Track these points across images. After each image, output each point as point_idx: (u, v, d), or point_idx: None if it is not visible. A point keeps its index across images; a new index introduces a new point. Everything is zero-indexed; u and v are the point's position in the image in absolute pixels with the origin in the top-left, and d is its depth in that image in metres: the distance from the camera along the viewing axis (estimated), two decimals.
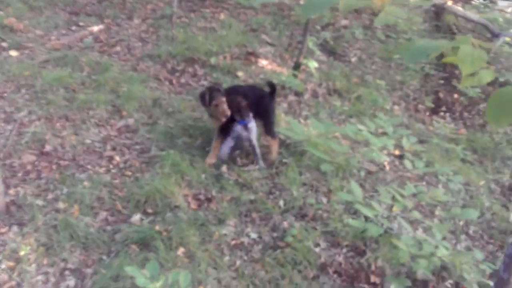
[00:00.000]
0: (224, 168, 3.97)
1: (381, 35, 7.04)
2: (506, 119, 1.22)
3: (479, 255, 3.24)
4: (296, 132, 3.12)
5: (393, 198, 2.83)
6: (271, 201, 3.72)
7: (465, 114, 5.56)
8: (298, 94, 5.24)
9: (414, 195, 3.18)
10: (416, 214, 3.09)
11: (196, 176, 3.84)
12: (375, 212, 2.75)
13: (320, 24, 6.92)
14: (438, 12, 7.96)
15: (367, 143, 3.70)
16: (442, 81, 6.09)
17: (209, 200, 3.68)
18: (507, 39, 6.57)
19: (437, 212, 3.87)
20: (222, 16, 6.92)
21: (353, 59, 6.43)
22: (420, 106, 5.65)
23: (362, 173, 4.04)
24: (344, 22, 7.14)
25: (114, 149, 4.12)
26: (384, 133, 4.08)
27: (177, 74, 5.44)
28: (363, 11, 7.67)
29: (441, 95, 5.81)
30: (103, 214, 3.44)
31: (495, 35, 7.13)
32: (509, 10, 8.79)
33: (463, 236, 3.72)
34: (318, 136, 3.10)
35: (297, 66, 5.49)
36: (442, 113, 5.58)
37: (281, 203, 3.71)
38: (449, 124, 5.30)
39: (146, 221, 3.42)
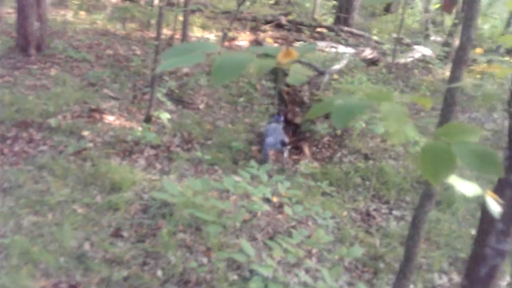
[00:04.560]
0: (86, 245, 3.45)
1: None
2: (443, 175, 1.18)
3: (363, 287, 3.33)
4: (170, 193, 2.85)
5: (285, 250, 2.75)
6: (148, 273, 3.32)
7: (314, 148, 5.87)
8: (154, 147, 4.92)
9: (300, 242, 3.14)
10: (309, 262, 3.05)
11: (53, 261, 3.25)
12: (272, 268, 2.63)
13: (163, 74, 6.76)
14: None
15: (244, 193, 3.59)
16: None
17: (73, 287, 3.13)
18: (336, 76, 7.25)
19: (314, 251, 3.92)
20: (53, 72, 6.28)
21: (201, 106, 6.38)
22: None
23: (238, 224, 3.91)
24: (185, 69, 7.09)
25: None
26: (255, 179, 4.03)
27: (9, 141, 4.68)
28: None
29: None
30: None
31: (320, 73, 7.86)
32: (326, 49, 9.82)
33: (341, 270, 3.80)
34: (195, 194, 2.89)
35: (148, 119, 5.21)
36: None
37: (160, 273, 3.34)
38: (302, 160, 5.52)
39: None
